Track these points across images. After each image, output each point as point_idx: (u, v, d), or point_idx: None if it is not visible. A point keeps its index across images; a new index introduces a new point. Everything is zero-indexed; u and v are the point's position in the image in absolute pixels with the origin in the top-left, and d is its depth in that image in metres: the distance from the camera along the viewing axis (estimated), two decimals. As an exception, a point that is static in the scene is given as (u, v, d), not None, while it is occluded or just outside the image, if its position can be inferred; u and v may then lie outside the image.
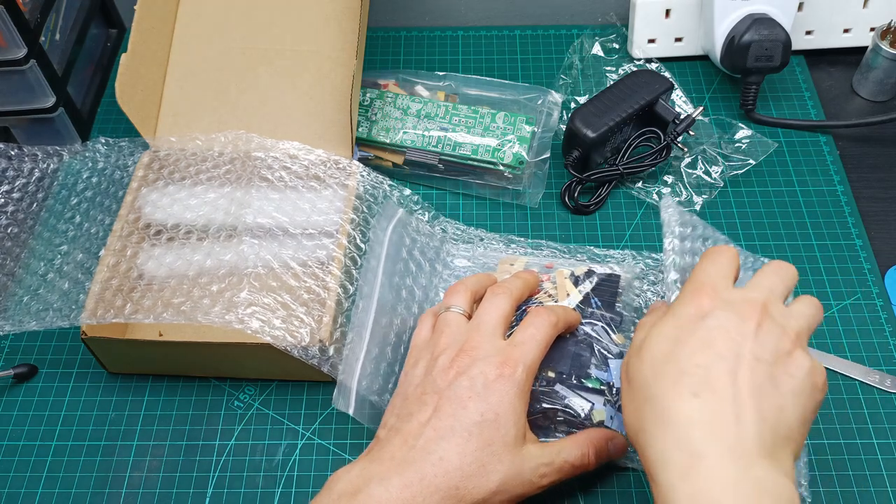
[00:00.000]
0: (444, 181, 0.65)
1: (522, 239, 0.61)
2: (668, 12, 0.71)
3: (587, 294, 0.54)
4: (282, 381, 0.56)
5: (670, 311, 0.41)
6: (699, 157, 0.65)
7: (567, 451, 0.45)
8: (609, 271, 0.56)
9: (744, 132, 0.66)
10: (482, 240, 0.61)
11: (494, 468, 0.41)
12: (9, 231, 0.57)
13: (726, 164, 0.65)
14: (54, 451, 0.53)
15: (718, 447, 0.36)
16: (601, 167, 0.65)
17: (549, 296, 0.55)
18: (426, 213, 0.61)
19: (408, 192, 0.60)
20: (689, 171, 0.65)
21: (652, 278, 0.58)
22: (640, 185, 0.65)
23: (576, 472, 0.46)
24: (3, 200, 0.58)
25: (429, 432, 0.41)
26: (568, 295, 0.55)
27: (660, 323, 0.41)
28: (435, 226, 0.61)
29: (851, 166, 0.67)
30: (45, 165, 0.60)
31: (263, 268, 0.54)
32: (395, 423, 0.44)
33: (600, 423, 0.49)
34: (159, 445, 0.53)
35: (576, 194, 0.64)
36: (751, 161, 0.65)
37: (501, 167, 0.63)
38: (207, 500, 0.51)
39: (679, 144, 0.64)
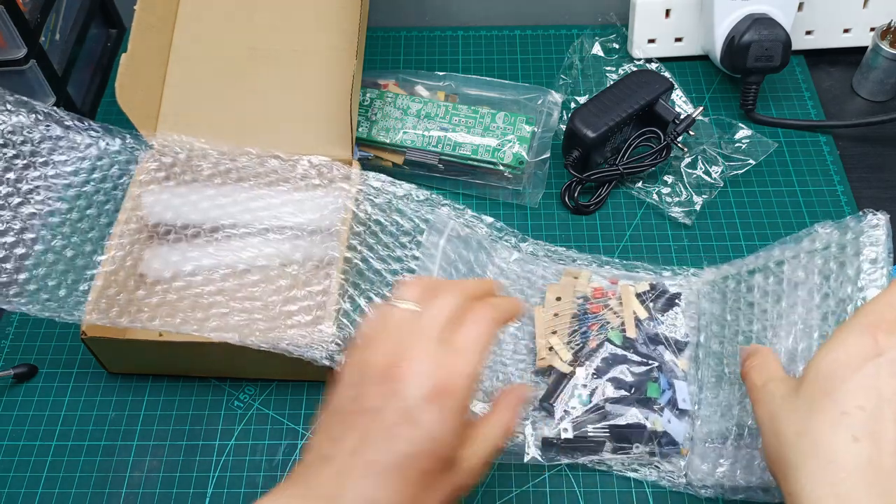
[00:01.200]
0: (444, 181, 0.65)
1: (616, 260, 0.60)
2: (668, 12, 0.71)
3: (650, 313, 0.55)
4: (282, 381, 0.56)
5: (836, 339, 0.40)
6: (699, 157, 0.65)
7: (492, 436, 0.42)
8: (667, 288, 0.56)
9: (744, 132, 0.66)
10: (575, 261, 0.60)
11: (430, 495, 0.39)
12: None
13: (726, 164, 0.65)
14: (54, 451, 0.53)
15: (868, 496, 0.36)
16: (601, 167, 0.65)
17: (615, 313, 0.55)
18: (512, 237, 0.61)
19: (489, 219, 0.60)
20: (689, 171, 0.65)
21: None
22: (640, 185, 0.65)
23: (503, 444, 0.43)
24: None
25: (359, 467, 0.38)
26: (634, 312, 0.55)
27: (824, 351, 0.40)
28: (525, 249, 0.60)
29: (851, 166, 0.67)
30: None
31: (272, 268, 0.54)
32: (324, 448, 0.40)
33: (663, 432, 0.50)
34: (159, 445, 0.53)
35: (576, 194, 0.64)
36: (751, 161, 0.65)
37: (501, 167, 0.63)
38: (207, 500, 0.51)
39: (679, 144, 0.64)
